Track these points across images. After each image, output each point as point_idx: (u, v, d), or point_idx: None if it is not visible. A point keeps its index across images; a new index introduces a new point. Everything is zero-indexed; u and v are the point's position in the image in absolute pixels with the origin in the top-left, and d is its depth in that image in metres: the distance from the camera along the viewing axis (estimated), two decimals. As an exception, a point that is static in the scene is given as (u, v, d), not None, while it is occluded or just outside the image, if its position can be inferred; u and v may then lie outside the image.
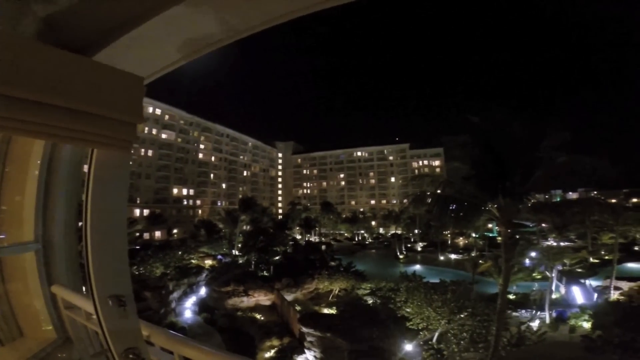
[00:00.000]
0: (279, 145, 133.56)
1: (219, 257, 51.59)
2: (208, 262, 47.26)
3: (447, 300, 20.54)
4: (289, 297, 33.62)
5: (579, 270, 37.62)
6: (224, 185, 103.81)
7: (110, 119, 1.40)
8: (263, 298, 33.50)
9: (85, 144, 1.54)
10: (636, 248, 46.17)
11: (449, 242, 70.84)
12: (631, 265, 42.88)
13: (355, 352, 19.52)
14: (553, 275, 32.68)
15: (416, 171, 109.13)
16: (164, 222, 68.75)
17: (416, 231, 75.84)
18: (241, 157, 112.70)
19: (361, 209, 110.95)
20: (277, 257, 47.64)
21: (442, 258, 59.67)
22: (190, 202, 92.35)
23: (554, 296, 31.51)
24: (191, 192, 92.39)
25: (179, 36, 1.66)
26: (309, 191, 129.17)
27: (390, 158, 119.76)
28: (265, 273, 42.22)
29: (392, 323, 21.31)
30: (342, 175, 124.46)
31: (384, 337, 20.04)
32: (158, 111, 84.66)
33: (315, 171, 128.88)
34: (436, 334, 19.49)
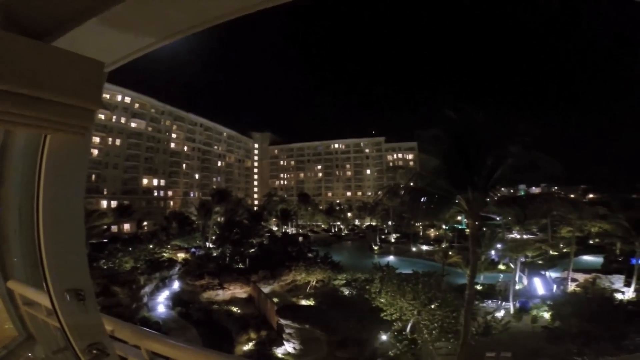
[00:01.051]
0: (255, 135, 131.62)
1: (193, 250, 50.46)
2: (181, 255, 46.14)
3: (418, 291, 21.19)
4: (266, 289, 33.59)
5: (540, 262, 39.90)
6: (197, 176, 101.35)
7: (67, 105, 1.35)
8: (239, 291, 33.27)
9: (40, 130, 1.47)
10: (591, 242, 49.07)
11: (421, 233, 73.11)
12: (587, 258, 45.91)
13: (333, 343, 19.87)
14: (516, 266, 34.34)
15: (391, 164, 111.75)
16: (134, 214, 66.18)
17: (390, 223, 77.63)
18: (215, 147, 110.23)
19: (337, 201, 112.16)
20: (252, 249, 47.30)
21: (414, 249, 61.59)
22: (161, 193, 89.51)
23: (517, 287, 33.06)
24: (162, 182, 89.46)
25: (146, 22, 1.59)
26: (285, 182, 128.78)
27: (367, 151, 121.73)
28: (240, 265, 41.88)
29: (368, 314, 21.81)
30: (319, 167, 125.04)
31: (361, 327, 20.52)
32: (128, 99, 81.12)
33: (292, 162, 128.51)
34: (409, 324, 20.14)
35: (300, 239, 66.83)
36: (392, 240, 72.92)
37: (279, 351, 21.42)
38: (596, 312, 18.14)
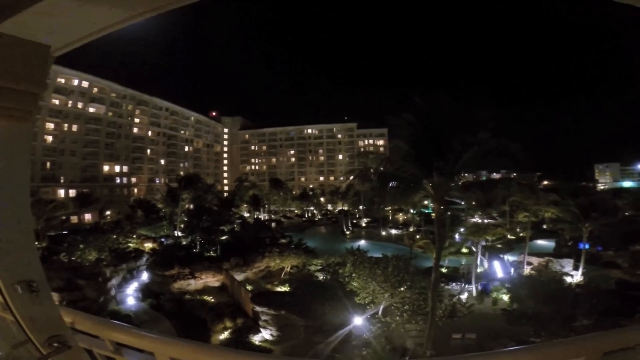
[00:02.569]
0: (224, 120, 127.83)
1: (162, 239, 48.84)
2: (148, 245, 44.62)
3: (388, 275, 21.91)
4: (239, 276, 33.39)
5: (499, 246, 42.31)
6: (162, 162, 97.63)
7: (8, 89, 1.34)
8: (211, 279, 32.86)
9: None
10: (545, 227, 52.55)
11: (390, 218, 75.34)
12: (541, 242, 49.33)
13: (310, 328, 20.22)
14: (478, 250, 36.19)
15: (362, 149, 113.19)
16: (95, 203, 62.64)
17: (361, 207, 79.24)
18: (182, 131, 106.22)
19: (311, 186, 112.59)
20: (224, 237, 46.61)
21: (384, 233, 63.59)
22: (124, 180, 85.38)
23: (479, 270, 34.95)
24: (125, 169, 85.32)
25: (98, 4, 1.50)
26: (257, 167, 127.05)
27: (339, 136, 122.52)
28: (212, 253, 41.28)
29: (343, 298, 22.28)
30: (292, 152, 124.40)
31: (337, 312, 20.96)
32: (85, 83, 76.17)
33: (264, 147, 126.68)
34: (381, 307, 20.84)
35: (273, 224, 66.65)
36: (363, 224, 74.71)
37: (256, 338, 21.60)
38: (549, 295, 19.40)
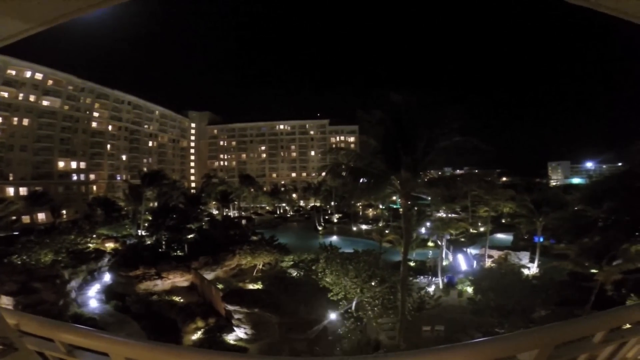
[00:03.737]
0: (192, 114, 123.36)
1: (126, 239, 46.60)
2: (110, 245, 42.57)
3: (360, 270, 22.37)
4: (209, 275, 32.67)
5: (462, 239, 44.35)
6: (124, 157, 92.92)
7: None
8: (179, 279, 31.86)
9: None
10: (503, 221, 55.73)
11: (361, 213, 76.80)
12: (500, 235, 52.27)
13: (285, 325, 20.19)
14: (443, 244, 37.85)
15: (334, 146, 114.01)
16: (49, 202, 58.45)
17: (333, 203, 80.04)
18: (146, 126, 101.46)
19: (282, 182, 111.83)
20: (191, 235, 45.35)
21: (355, 229, 64.72)
22: (82, 176, 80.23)
23: (444, 263, 36.48)
24: (82, 165, 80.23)
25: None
26: (226, 163, 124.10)
27: (311, 132, 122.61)
28: (179, 253, 40.20)
29: (317, 294, 22.47)
30: (263, 148, 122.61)
31: (311, 308, 21.09)
32: (39, 75, 70.57)
33: (233, 143, 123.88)
34: (354, 303, 21.28)
35: (244, 221, 65.69)
36: (335, 220, 75.54)
37: (230, 337, 21.29)
38: (508, 287, 20.49)
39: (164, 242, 42.45)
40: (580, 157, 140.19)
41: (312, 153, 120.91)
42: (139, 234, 49.49)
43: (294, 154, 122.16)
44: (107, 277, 33.22)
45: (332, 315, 20.85)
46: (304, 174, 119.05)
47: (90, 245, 40.37)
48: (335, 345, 18.43)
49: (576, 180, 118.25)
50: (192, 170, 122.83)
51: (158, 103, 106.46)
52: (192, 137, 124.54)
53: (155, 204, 57.09)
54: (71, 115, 77.33)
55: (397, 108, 17.19)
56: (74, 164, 78.26)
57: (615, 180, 28.81)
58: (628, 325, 1.67)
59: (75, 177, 78.67)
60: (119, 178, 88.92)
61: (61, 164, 75.29)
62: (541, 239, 35.93)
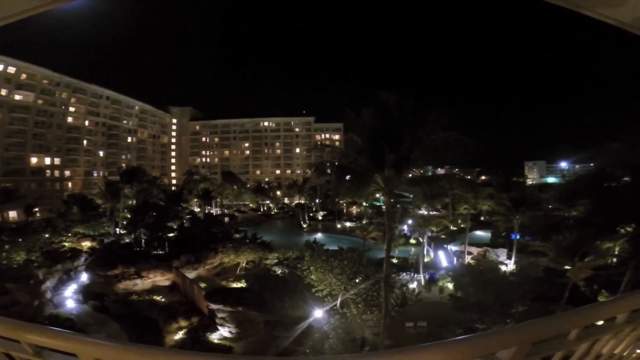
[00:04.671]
0: (173, 110, 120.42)
1: (103, 238, 45.22)
2: (86, 244, 41.30)
3: (344, 267, 22.53)
4: (191, 274, 32.20)
5: (443, 236, 45.22)
6: (101, 153, 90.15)
7: None
8: (160, 278, 31.28)
9: None
10: (482, 218, 57.21)
11: (345, 211, 77.21)
12: (479, 233, 53.63)
13: (270, 323, 20.11)
14: (424, 240, 38.52)
15: (319, 143, 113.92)
16: (20, 199, 55.87)
17: (317, 200, 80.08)
18: (125, 121, 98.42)
19: (267, 179, 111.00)
20: (172, 234, 44.51)
21: (339, 226, 65.11)
22: (56, 173, 77.16)
23: (426, 260, 37.14)
24: (57, 161, 77.12)
25: None
26: (208, 160, 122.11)
27: (297, 130, 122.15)
28: (159, 251, 39.46)
29: (302, 291, 22.46)
30: (246, 145, 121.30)
31: (296, 306, 21.08)
32: (11, 69, 67.59)
33: (216, 139, 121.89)
34: (339, 299, 21.43)
35: (226, 219, 65.01)
36: (320, 217, 75.69)
37: (214, 337, 21.08)
38: (487, 283, 21.04)
39: (143, 241, 41.58)
40: (555, 157, 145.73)
41: (297, 150, 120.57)
42: (117, 232, 48.39)
43: (278, 151, 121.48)
44: (84, 277, 32.35)
45: (318, 312, 20.93)
46: (289, 171, 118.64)
47: (66, 244, 39.29)
48: (321, 343, 18.52)
49: (551, 180, 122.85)
50: (173, 167, 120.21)
51: (138, 98, 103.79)
52: (173, 133, 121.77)
53: (134, 201, 55.65)
54: (45, 110, 74.47)
55: (384, 106, 17.40)
56: (47, 160, 75.31)
57: (588, 179, 30.00)
58: (601, 322, 1.73)
59: (49, 174, 75.63)
60: (95, 175, 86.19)
61: (34, 160, 72.29)
62: (518, 236, 37.08)
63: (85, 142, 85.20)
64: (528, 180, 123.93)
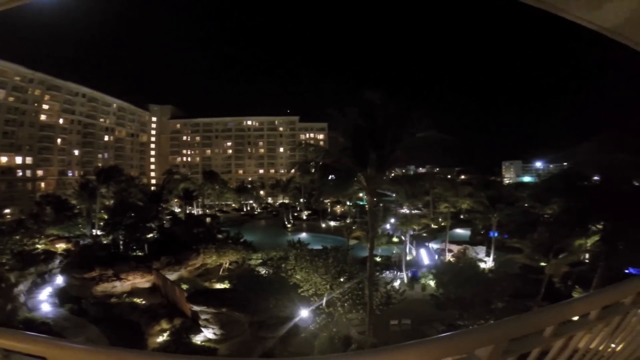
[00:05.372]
0: (153, 108, 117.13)
1: (79, 240, 43.69)
2: (61, 246, 39.98)
3: (329, 266, 22.64)
4: (172, 276, 31.60)
5: (424, 235, 46.01)
6: (76, 152, 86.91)
7: None
8: (140, 280, 30.53)
9: None
10: (462, 216, 58.54)
11: (329, 210, 77.47)
12: (459, 231, 54.63)
13: (255, 324, 19.91)
14: (407, 239, 39.11)
15: (303, 143, 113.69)
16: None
17: (302, 200, 79.97)
18: (102, 119, 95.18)
19: (250, 179, 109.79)
20: (151, 234, 43.46)
21: (323, 225, 65.24)
22: (28, 172, 73.87)
23: (408, 258, 37.71)
24: (29, 160, 73.79)
25: None
26: (189, 159, 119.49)
27: (281, 129, 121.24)
28: (139, 253, 38.54)
29: (287, 291, 22.39)
30: (229, 144, 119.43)
31: (281, 306, 20.99)
32: None
33: (197, 138, 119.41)
34: (324, 299, 21.49)
35: (208, 219, 63.90)
36: (304, 217, 75.58)
37: (198, 339, 20.76)
38: (467, 280, 21.52)
39: (121, 242, 40.41)
40: (530, 156, 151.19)
41: (281, 150, 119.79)
42: (94, 233, 46.97)
43: (262, 151, 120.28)
44: (60, 280, 31.22)
45: (304, 312, 20.92)
46: (272, 171, 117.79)
47: (39, 246, 37.82)
48: (307, 343, 18.55)
49: (527, 179, 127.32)
50: (153, 167, 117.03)
51: (117, 96, 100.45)
52: (153, 132, 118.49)
53: (112, 201, 54.00)
54: (17, 107, 71.09)
55: (370, 105, 17.57)
56: (18, 159, 71.95)
57: (560, 179, 31.30)
58: (576, 318, 1.76)
59: (20, 173, 72.29)
60: (70, 174, 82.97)
61: (4, 159, 68.91)
62: (496, 234, 38.18)
63: (59, 140, 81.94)
64: (505, 179, 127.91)
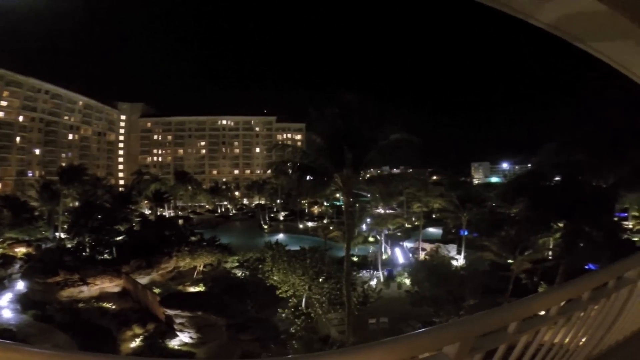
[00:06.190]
0: (122, 106, 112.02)
1: (41, 243, 41.28)
2: (21, 250, 37.96)
3: (307, 267, 22.69)
4: (143, 280, 30.78)
5: (399, 234, 46.97)
6: (37, 151, 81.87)
7: None
8: (109, 284, 29.52)
9: None
10: (434, 216, 60.17)
11: (306, 210, 77.41)
12: (431, 229, 56.09)
13: (233, 327, 19.61)
14: (382, 238, 39.82)
15: (280, 143, 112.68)
16: None
17: (278, 201, 79.42)
18: (66, 117, 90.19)
19: (224, 179, 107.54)
20: (120, 237, 41.82)
21: (301, 226, 65.14)
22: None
23: (384, 257, 38.38)
24: (-18, 159, 68.73)
25: None
26: (160, 159, 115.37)
27: (257, 129, 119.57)
28: (106, 256, 36.99)
29: (265, 293, 22.19)
30: (203, 143, 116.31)
31: (259, 308, 20.78)
32: None
33: (169, 137, 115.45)
34: (303, 300, 21.48)
35: (181, 221, 62.24)
36: (281, 218, 75.13)
37: (174, 343, 20.32)
38: (440, 278, 22.21)
39: (88, 245, 38.63)
40: (497, 158, 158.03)
41: (257, 150, 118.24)
42: (57, 236, 44.54)
43: (237, 151, 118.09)
44: (21, 285, 29.74)
45: (283, 314, 20.84)
46: (248, 171, 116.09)
47: (-4, 250, 35.31)
48: (287, 344, 18.49)
49: (494, 179, 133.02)
50: (121, 167, 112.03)
51: (85, 93, 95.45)
52: (122, 130, 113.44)
53: (77, 203, 51.39)
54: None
55: (348, 107, 17.80)
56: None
57: (524, 179, 32.99)
58: (542, 312, 1.84)
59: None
60: (31, 175, 77.96)
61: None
62: (466, 233, 39.66)
63: (18, 139, 77.05)
64: (474, 180, 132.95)
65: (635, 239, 34.90)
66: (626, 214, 43.41)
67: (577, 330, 2.13)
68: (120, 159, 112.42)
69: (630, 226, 41.32)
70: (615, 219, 32.81)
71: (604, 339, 2.43)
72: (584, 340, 2.28)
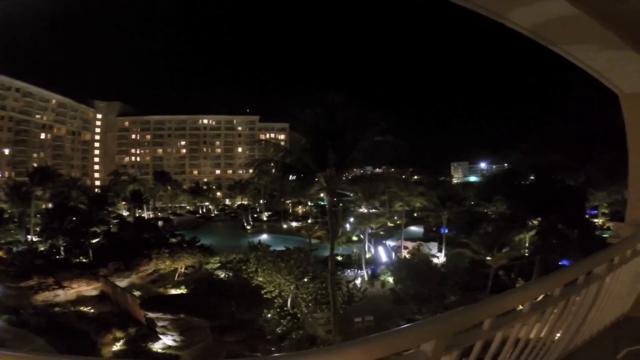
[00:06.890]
0: (99, 104, 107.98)
1: (12, 246, 39.53)
2: (-12, 254, 35.55)
3: (292, 267, 22.67)
4: (122, 282, 30.12)
5: (382, 233, 47.48)
6: (6, 151, 78.00)
7: None
8: (86, 288, 28.83)
9: None
10: (415, 214, 61.22)
11: (290, 210, 77.09)
12: (413, 228, 56.87)
13: (217, 328, 19.35)
14: (365, 237, 40.19)
15: (263, 141, 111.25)
16: None
17: (262, 201, 78.78)
18: (38, 116, 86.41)
19: (205, 179, 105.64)
20: (96, 239, 40.61)
21: (285, 226, 64.87)
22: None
23: (367, 256, 38.73)
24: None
25: None
26: (139, 159, 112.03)
27: (239, 128, 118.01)
28: (82, 259, 35.98)
29: (249, 294, 22.00)
30: (183, 143, 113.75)
31: (244, 309, 20.58)
32: None
33: (148, 136, 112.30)
34: (289, 300, 21.42)
35: (160, 223, 60.90)
36: (265, 218, 74.54)
37: (157, 346, 19.93)
38: (422, 275, 22.64)
39: (62, 248, 37.31)
40: (476, 158, 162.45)
41: (240, 150, 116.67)
42: (29, 239, 42.79)
43: (218, 150, 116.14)
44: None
45: (269, 314, 20.73)
46: (230, 171, 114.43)
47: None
48: (274, 344, 18.42)
49: (472, 179, 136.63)
50: (97, 167, 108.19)
51: (60, 91, 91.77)
52: (98, 130, 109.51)
53: (50, 205, 49.47)
54: None
55: (332, 107, 17.89)
56: None
57: (500, 178, 34.16)
58: (520, 307, 1.88)
59: None
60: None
61: None
62: (446, 231, 40.57)
63: (-15, 138, 73.20)
64: (454, 179, 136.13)
65: (605, 235, 36.67)
66: (596, 212, 45.49)
67: (551, 325, 2.17)
68: (96, 159, 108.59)
69: (600, 223, 43.31)
70: (587, 216, 34.26)
71: (578, 333, 2.50)
72: (558, 335, 2.33)
